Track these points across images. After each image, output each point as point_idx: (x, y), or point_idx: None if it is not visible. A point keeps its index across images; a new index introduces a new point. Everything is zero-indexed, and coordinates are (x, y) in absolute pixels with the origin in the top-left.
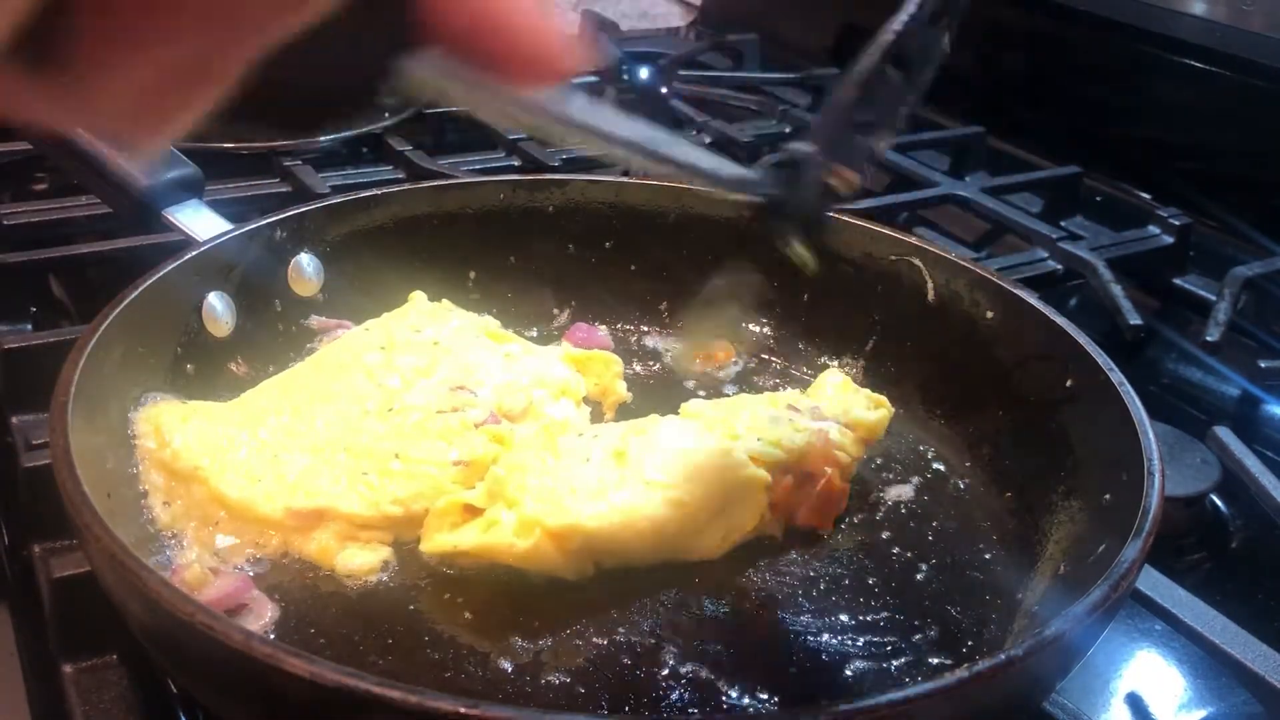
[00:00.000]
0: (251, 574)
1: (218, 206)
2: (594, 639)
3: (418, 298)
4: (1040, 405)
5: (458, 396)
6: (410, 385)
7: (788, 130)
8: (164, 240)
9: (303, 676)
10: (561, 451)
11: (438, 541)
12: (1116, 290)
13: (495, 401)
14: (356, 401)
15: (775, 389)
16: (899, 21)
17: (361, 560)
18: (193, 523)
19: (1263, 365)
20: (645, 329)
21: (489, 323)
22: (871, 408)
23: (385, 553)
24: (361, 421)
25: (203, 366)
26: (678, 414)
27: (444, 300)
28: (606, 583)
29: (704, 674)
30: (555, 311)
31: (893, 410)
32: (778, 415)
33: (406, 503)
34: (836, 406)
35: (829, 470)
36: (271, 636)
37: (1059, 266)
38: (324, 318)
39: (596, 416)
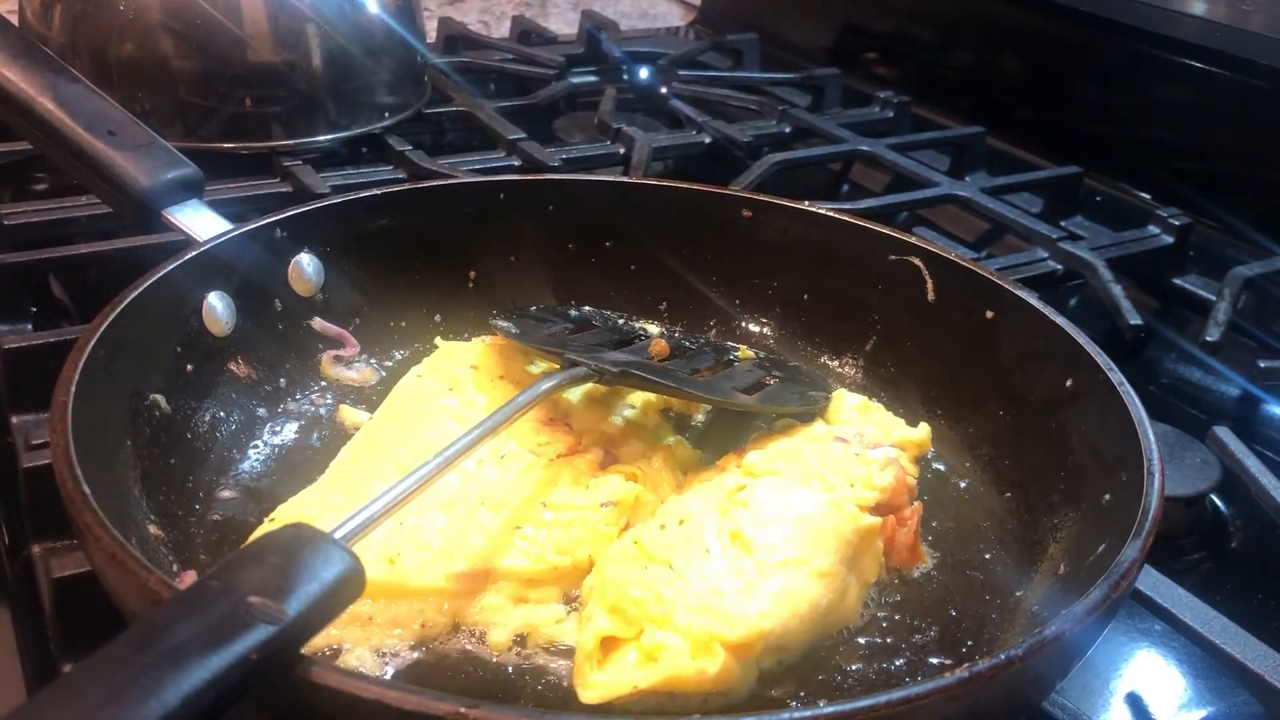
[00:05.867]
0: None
1: (218, 206)
2: None
3: (446, 345)
4: (1040, 405)
5: (559, 435)
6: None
7: (787, 130)
8: (164, 240)
9: (303, 679)
10: (659, 546)
11: (607, 687)
12: (1116, 290)
13: (593, 430)
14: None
15: None
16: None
17: (545, 614)
18: (344, 631)
19: (1263, 365)
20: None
21: (499, 341)
22: (902, 424)
23: (560, 611)
24: (479, 473)
25: (203, 366)
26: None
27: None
28: None
29: None
30: None
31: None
32: (842, 453)
33: (571, 551)
34: (877, 430)
35: (916, 503)
36: None
37: (1059, 266)
38: (326, 321)
39: (680, 425)
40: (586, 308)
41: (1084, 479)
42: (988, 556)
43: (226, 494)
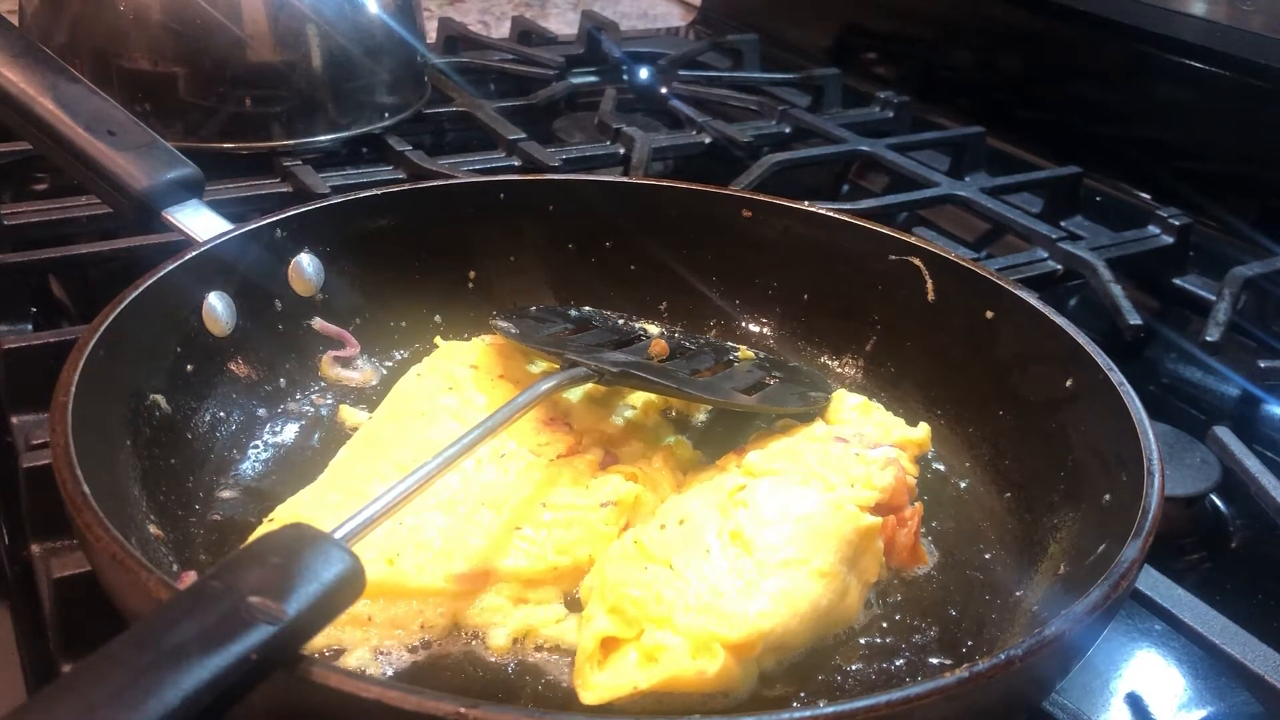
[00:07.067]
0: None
1: (218, 206)
2: None
3: (446, 345)
4: (1040, 405)
5: (559, 435)
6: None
7: (787, 130)
8: (164, 240)
9: (303, 679)
10: (659, 546)
11: (607, 689)
12: (1116, 290)
13: (593, 430)
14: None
15: None
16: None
17: (544, 615)
18: (344, 631)
19: (1263, 365)
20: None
21: (499, 341)
22: (902, 424)
23: (560, 611)
24: (479, 473)
25: (203, 366)
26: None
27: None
28: None
29: None
30: None
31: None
32: (842, 453)
33: (571, 550)
34: (877, 430)
35: (917, 504)
36: None
37: (1059, 266)
38: (325, 321)
39: (680, 425)
40: (586, 308)
41: (1084, 479)
42: (988, 556)
43: (226, 494)
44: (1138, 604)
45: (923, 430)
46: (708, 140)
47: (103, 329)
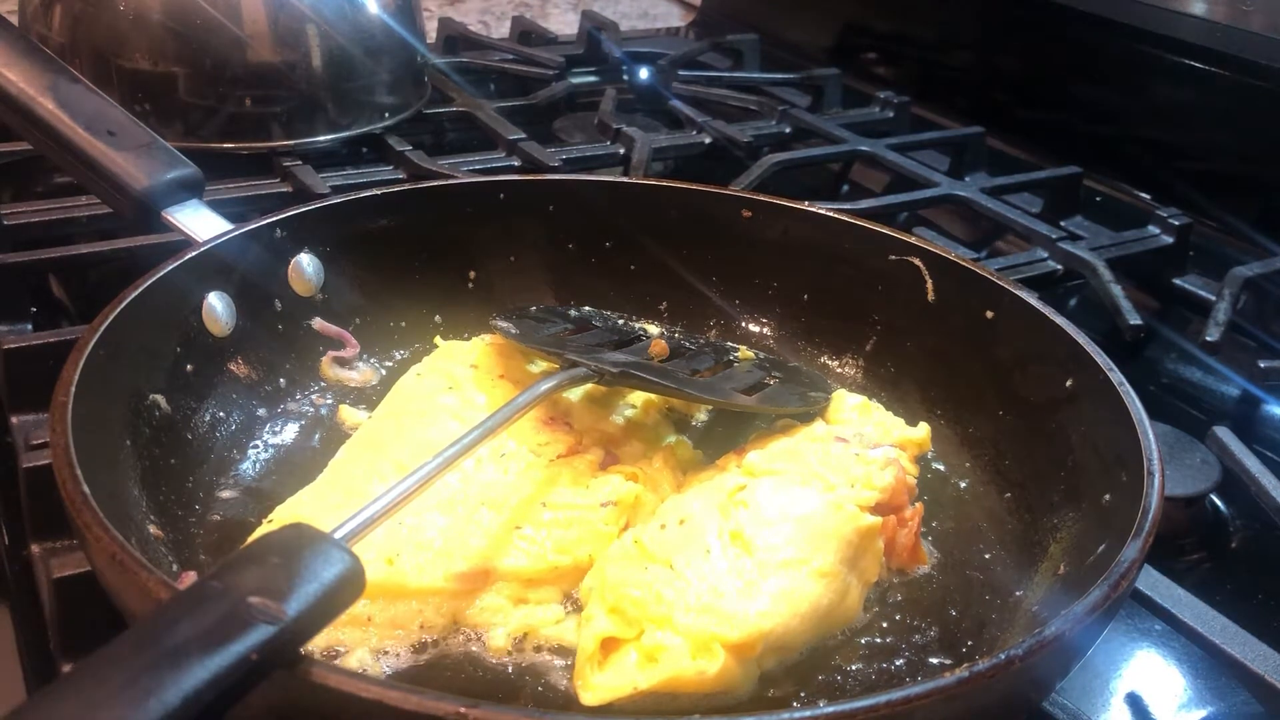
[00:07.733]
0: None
1: (218, 206)
2: None
3: (446, 345)
4: (1040, 405)
5: (559, 435)
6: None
7: (787, 130)
8: (164, 240)
9: (303, 679)
10: (660, 546)
11: (607, 689)
12: (1116, 290)
13: (594, 430)
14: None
15: None
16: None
17: (544, 615)
18: (344, 631)
19: (1263, 365)
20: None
21: (499, 341)
22: (902, 424)
23: (560, 611)
24: (479, 472)
25: (203, 366)
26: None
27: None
28: None
29: None
30: None
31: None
32: (842, 453)
33: (571, 550)
34: (877, 430)
35: (918, 504)
36: None
37: (1059, 266)
38: (325, 321)
39: (680, 425)
40: (586, 308)
41: (1084, 479)
42: (988, 556)
43: (226, 494)
44: (1138, 604)
45: (923, 430)
46: (708, 140)
47: (103, 329)
